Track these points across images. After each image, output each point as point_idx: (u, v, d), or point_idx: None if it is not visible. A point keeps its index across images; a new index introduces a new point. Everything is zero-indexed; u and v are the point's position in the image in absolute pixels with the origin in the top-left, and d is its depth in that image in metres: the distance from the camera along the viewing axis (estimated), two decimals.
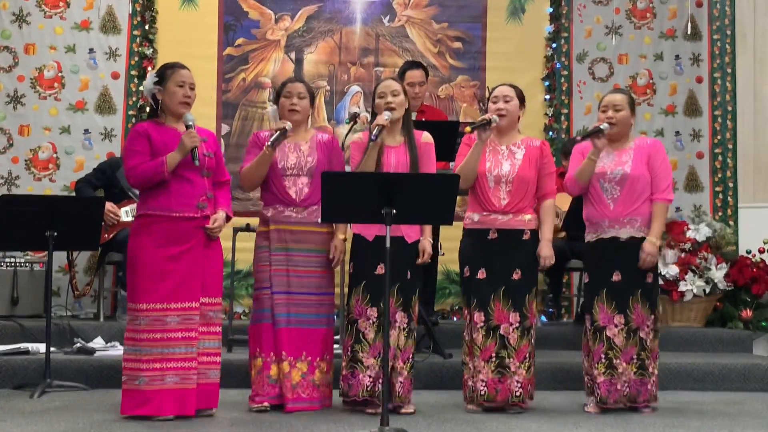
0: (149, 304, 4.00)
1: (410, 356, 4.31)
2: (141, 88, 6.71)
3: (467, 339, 4.37)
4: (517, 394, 4.27)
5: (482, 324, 4.30)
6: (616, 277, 4.38)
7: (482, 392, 4.27)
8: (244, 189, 4.44)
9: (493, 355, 4.27)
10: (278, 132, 4.24)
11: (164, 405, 3.96)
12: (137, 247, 4.08)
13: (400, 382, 4.25)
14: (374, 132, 4.19)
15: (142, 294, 4.01)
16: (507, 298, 4.30)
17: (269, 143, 4.22)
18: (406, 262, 4.29)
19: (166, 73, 4.17)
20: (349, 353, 4.26)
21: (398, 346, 4.24)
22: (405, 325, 4.27)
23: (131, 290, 4.08)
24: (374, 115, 4.41)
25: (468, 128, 4.33)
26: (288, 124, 4.27)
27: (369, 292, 4.25)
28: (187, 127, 4.10)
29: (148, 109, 6.59)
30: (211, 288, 4.15)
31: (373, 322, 4.23)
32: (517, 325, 4.29)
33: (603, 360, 4.33)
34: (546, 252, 4.38)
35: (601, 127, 4.35)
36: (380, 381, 4.17)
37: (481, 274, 4.34)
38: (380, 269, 4.22)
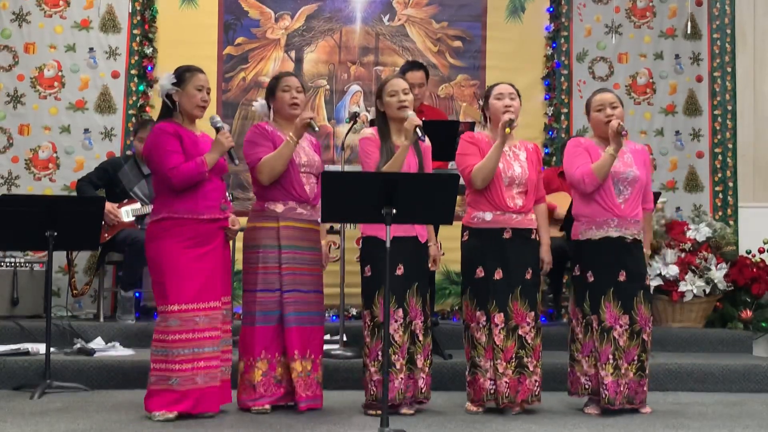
0: (180, 305, 4.02)
1: (429, 353, 4.32)
2: (143, 87, 6.71)
3: (483, 341, 4.33)
4: (536, 393, 4.31)
5: (502, 325, 4.30)
6: (622, 277, 4.38)
7: (506, 393, 4.27)
8: (263, 180, 4.27)
9: (513, 355, 4.28)
10: (311, 119, 4.20)
11: (197, 404, 4.01)
12: (162, 250, 4.07)
13: (423, 378, 4.27)
14: (420, 133, 4.16)
15: (172, 295, 4.02)
16: (524, 298, 4.31)
17: (296, 131, 4.19)
18: (423, 262, 4.34)
19: (184, 75, 4.19)
20: (380, 358, 4.17)
21: (420, 343, 4.27)
22: (422, 323, 4.29)
23: (159, 293, 4.09)
24: (379, 112, 4.40)
25: (507, 129, 4.28)
26: (314, 116, 4.27)
27: (393, 293, 4.19)
28: (218, 129, 4.15)
29: (149, 109, 6.65)
30: (225, 288, 4.22)
31: (401, 324, 4.22)
32: (533, 324, 4.32)
33: (611, 360, 4.33)
34: (549, 257, 4.44)
35: (622, 124, 4.35)
36: (410, 382, 4.24)
37: (498, 275, 4.32)
38: (400, 270, 4.23)
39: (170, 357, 4.00)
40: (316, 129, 4.25)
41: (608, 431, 3.97)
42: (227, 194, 4.28)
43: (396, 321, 4.21)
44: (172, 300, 4.02)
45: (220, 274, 4.17)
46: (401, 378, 4.20)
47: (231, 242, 4.67)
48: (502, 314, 4.29)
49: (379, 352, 4.18)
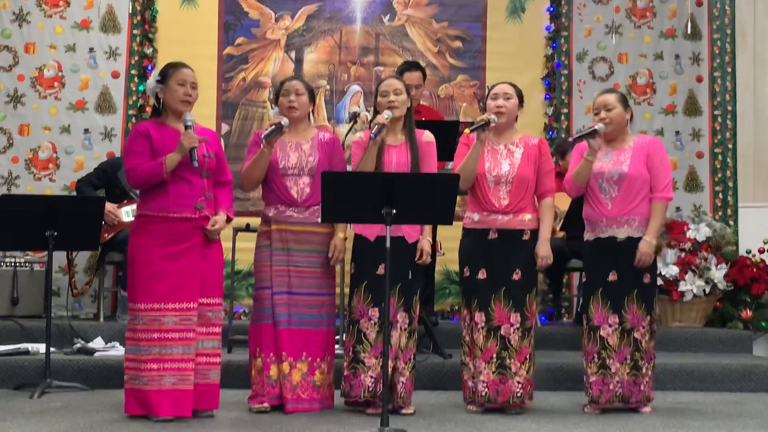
0: (147, 304, 3.99)
1: (412, 357, 4.30)
2: (143, 87, 6.71)
3: (467, 339, 4.36)
4: (518, 394, 4.27)
5: (483, 324, 4.29)
6: (612, 276, 4.38)
7: (483, 393, 4.26)
8: (245, 188, 4.49)
9: (494, 355, 4.27)
10: (273, 127, 4.21)
11: (162, 406, 3.95)
12: (135, 247, 4.08)
13: (402, 383, 4.24)
14: (374, 130, 4.19)
15: (140, 294, 4.01)
16: (508, 299, 4.29)
17: (264, 138, 4.21)
18: (407, 262, 4.29)
19: (168, 71, 4.16)
20: (350, 354, 4.26)
21: (400, 346, 4.24)
22: (406, 326, 4.27)
23: (130, 290, 4.09)
24: (376, 113, 4.41)
25: (467, 130, 4.34)
26: (284, 120, 4.25)
27: (370, 292, 4.25)
28: (186, 127, 4.07)
29: (149, 108, 6.64)
30: (210, 288, 4.13)
31: (375, 323, 4.23)
32: (518, 325, 4.29)
33: (596, 359, 4.34)
34: (543, 252, 4.35)
35: (596, 127, 4.36)
36: (381, 381, 4.17)
37: (482, 275, 4.33)
38: (382, 269, 4.21)
39: (138, 356, 3.99)
40: (284, 123, 4.20)
41: (608, 431, 3.97)
42: (205, 194, 4.13)
43: (369, 319, 4.23)
44: (139, 299, 4.01)
45: (200, 274, 4.08)
46: (371, 376, 4.19)
47: (231, 242, 4.69)
48: (483, 313, 4.29)
49: (351, 348, 4.26)
